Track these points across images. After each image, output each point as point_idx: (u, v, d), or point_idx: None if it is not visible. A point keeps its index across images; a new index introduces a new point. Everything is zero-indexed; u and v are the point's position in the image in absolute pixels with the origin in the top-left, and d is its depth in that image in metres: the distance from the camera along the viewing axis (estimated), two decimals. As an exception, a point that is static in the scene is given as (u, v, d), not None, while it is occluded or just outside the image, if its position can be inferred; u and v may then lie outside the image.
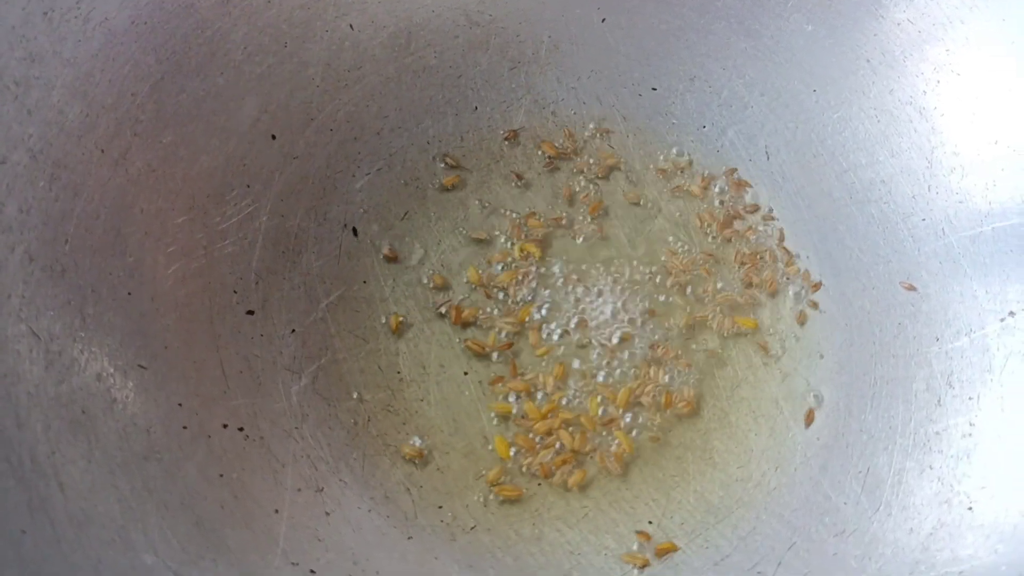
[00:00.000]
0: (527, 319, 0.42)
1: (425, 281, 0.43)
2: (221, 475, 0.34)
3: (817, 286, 0.43)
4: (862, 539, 0.36)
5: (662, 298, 0.43)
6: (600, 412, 0.40)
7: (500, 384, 0.41)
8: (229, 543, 0.32)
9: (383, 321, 0.42)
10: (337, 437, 0.39)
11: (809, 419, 0.40)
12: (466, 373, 0.41)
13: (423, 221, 0.44)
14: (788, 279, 0.43)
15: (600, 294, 0.43)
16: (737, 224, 0.45)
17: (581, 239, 0.44)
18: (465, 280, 0.43)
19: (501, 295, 0.43)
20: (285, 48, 0.41)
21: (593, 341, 0.42)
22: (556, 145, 0.45)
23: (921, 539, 0.35)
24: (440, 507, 0.38)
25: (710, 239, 0.44)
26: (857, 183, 0.43)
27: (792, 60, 0.44)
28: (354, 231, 0.42)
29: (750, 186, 0.45)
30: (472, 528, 0.38)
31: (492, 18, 0.44)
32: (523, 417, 0.40)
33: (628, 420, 0.40)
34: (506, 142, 0.45)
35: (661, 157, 0.46)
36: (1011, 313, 0.38)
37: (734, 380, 0.42)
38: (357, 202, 0.43)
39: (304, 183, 0.42)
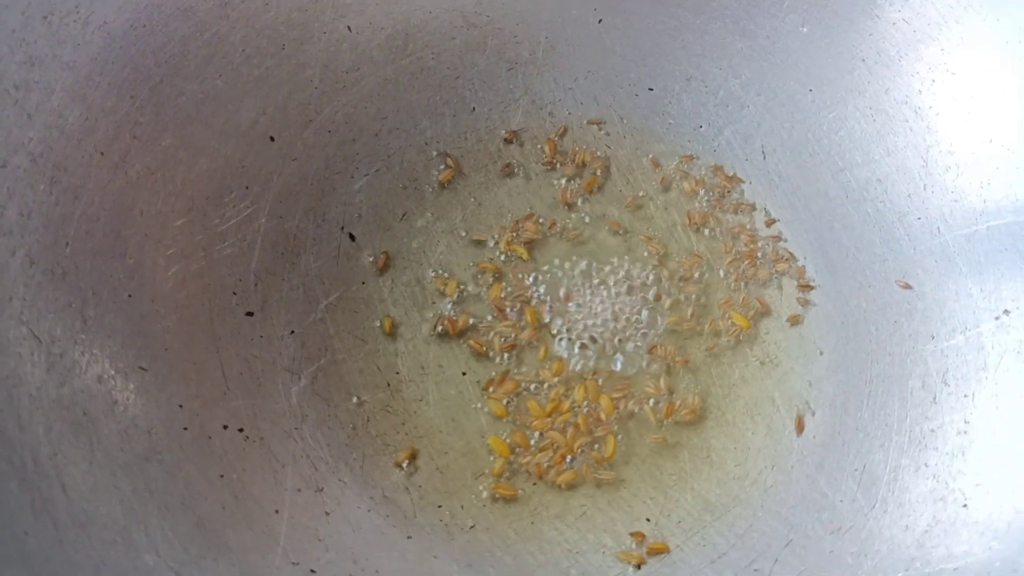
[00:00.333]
0: (528, 322, 0.42)
1: (424, 282, 0.43)
2: (222, 476, 0.35)
3: (809, 286, 0.43)
4: (858, 536, 0.36)
5: (660, 299, 0.43)
6: (600, 414, 0.41)
7: (498, 384, 0.41)
8: (230, 543, 0.33)
9: (380, 322, 0.42)
10: (337, 437, 0.39)
11: (800, 427, 0.40)
12: (464, 373, 0.41)
13: (422, 222, 0.44)
14: (785, 278, 0.44)
15: (598, 295, 0.43)
16: (733, 224, 0.45)
17: (579, 240, 0.44)
18: (463, 292, 0.43)
19: (510, 310, 0.42)
20: (283, 50, 0.41)
21: (591, 343, 0.42)
22: (556, 144, 0.45)
23: (916, 536, 0.35)
24: (439, 506, 0.39)
25: (706, 239, 0.45)
26: (853, 182, 0.43)
27: (788, 60, 0.44)
28: (351, 236, 0.42)
29: (746, 183, 0.45)
30: (471, 527, 0.38)
31: (489, 19, 0.44)
32: (522, 416, 0.40)
33: (628, 421, 0.41)
34: (505, 143, 0.46)
35: (658, 157, 0.46)
36: (1006, 311, 0.38)
37: (731, 379, 0.42)
38: (355, 203, 0.43)
39: (303, 184, 0.42)
